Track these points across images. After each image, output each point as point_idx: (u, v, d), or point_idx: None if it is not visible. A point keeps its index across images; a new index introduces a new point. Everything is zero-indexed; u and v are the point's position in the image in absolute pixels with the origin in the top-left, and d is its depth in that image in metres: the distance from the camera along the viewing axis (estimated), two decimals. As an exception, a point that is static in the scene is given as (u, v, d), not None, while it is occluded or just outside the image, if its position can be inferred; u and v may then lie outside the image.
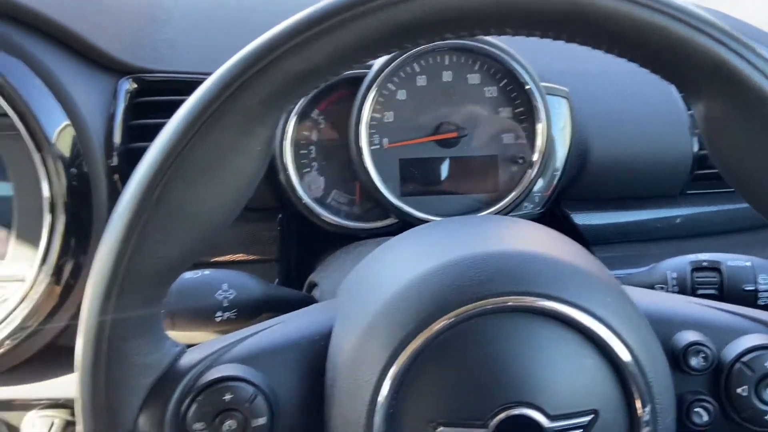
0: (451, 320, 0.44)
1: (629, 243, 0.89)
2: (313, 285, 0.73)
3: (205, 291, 0.61)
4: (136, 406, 0.45)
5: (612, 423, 0.45)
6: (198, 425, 0.46)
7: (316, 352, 0.50)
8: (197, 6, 0.92)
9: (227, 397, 0.46)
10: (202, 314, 0.61)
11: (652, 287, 0.67)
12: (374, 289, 0.49)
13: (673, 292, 0.67)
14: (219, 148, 0.42)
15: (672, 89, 0.86)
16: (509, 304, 0.45)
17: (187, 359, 0.48)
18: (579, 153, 0.81)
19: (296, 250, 0.85)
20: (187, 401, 0.46)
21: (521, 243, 0.49)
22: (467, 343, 0.45)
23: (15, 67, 0.70)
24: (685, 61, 0.41)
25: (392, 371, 0.44)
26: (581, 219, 0.85)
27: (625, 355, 0.45)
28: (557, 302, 0.45)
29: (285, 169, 0.76)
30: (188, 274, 0.62)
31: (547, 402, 0.44)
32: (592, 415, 0.45)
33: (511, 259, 0.46)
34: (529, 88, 0.76)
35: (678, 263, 0.67)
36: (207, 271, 0.63)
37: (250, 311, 0.63)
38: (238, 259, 0.81)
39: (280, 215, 0.81)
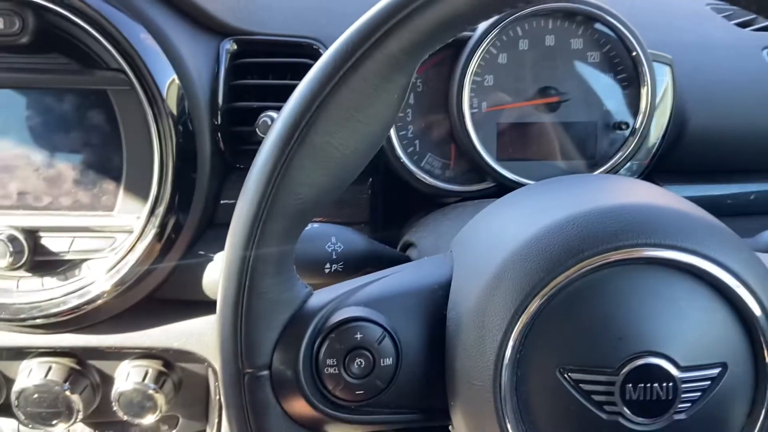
0: (583, 269, 0.45)
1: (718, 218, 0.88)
2: (409, 245, 0.74)
3: (316, 242, 0.63)
4: (273, 341, 0.47)
5: (740, 376, 0.45)
6: (330, 361, 0.47)
7: (435, 301, 0.51)
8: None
9: (358, 336, 0.48)
10: (313, 264, 0.62)
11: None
12: (499, 239, 0.50)
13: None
14: (360, 94, 0.43)
15: (772, 61, 0.84)
16: (643, 255, 0.45)
17: (317, 299, 0.49)
18: (677, 123, 0.81)
19: (385, 213, 0.86)
20: (319, 339, 0.48)
21: (652, 197, 0.49)
22: (598, 293, 0.45)
23: (130, 25, 0.72)
24: None
25: (522, 319, 0.45)
26: (672, 191, 0.84)
27: (756, 310, 0.45)
28: (691, 255, 0.45)
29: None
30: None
31: (678, 353, 0.44)
32: (721, 368, 0.45)
33: (645, 211, 0.47)
34: (636, 54, 0.75)
35: (781, 234, 0.67)
36: (317, 224, 0.65)
37: (355, 265, 0.65)
38: (330, 221, 0.82)
39: (371, 179, 0.82)
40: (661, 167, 0.84)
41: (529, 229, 0.48)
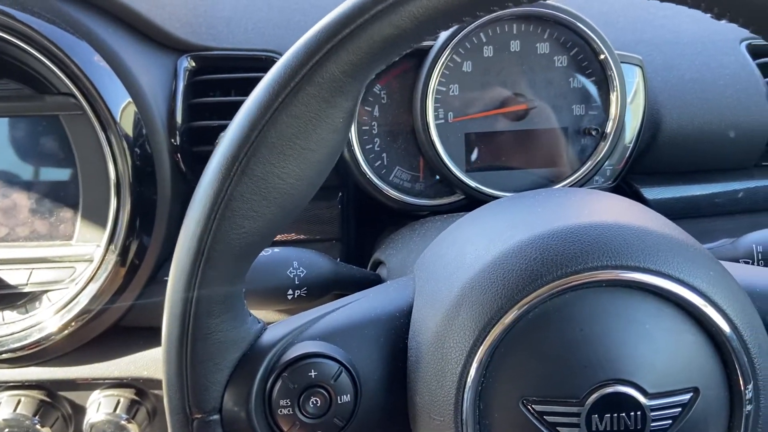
0: (543, 295, 0.43)
1: (699, 218, 0.86)
2: (379, 263, 0.71)
3: (277, 269, 0.61)
4: (222, 383, 0.45)
5: (713, 400, 0.43)
6: (284, 402, 0.45)
7: (396, 330, 0.49)
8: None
9: (312, 373, 0.45)
10: (275, 292, 0.60)
11: (737, 261, 0.64)
12: (458, 264, 0.47)
13: (760, 266, 0.64)
14: (302, 120, 0.41)
15: (748, 57, 0.82)
16: (604, 278, 0.43)
17: (270, 336, 0.47)
18: (651, 124, 0.78)
19: (356, 228, 0.84)
20: (272, 378, 0.46)
21: (614, 215, 0.47)
22: (561, 319, 0.43)
23: (79, 47, 0.69)
24: None
25: (482, 348, 0.43)
26: (651, 193, 0.82)
27: (726, 328, 0.43)
28: (654, 275, 0.43)
29: (349, 145, 0.74)
30: (259, 252, 0.62)
31: (646, 379, 0.42)
32: (693, 393, 0.43)
33: (606, 231, 0.44)
34: (604, 57, 0.73)
35: (763, 236, 0.65)
36: (277, 249, 0.62)
37: (319, 289, 0.63)
38: (300, 238, 0.80)
39: (340, 194, 0.80)
40: (638, 169, 0.82)
41: (488, 254, 0.46)
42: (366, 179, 0.75)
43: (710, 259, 0.46)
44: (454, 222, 0.55)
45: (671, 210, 0.84)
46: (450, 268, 0.48)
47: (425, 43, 0.73)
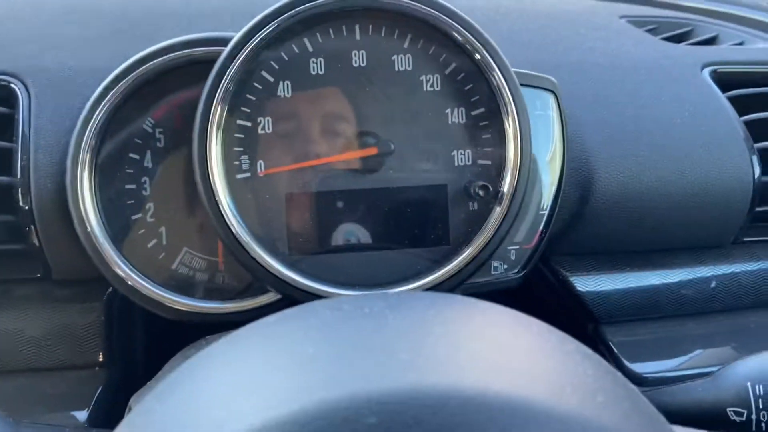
0: None
1: (661, 319, 0.59)
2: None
3: None
4: None
5: None
6: None
7: None
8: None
9: None
10: None
11: (723, 412, 0.37)
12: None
13: (761, 419, 0.37)
14: None
15: (715, 89, 0.57)
16: None
17: None
18: (577, 181, 0.52)
19: (142, 345, 0.55)
20: None
21: (499, 370, 0.23)
22: None
23: None
24: None
25: None
26: (585, 284, 0.56)
27: None
28: None
29: (80, 213, 0.45)
30: None
31: None
32: None
33: (481, 416, 0.19)
34: (495, 75, 0.46)
35: (762, 366, 0.38)
36: None
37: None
38: (42, 366, 0.50)
39: (109, 290, 0.51)
40: (561, 249, 0.55)
41: None
42: (114, 275, 0.46)
43: None
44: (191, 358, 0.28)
45: (619, 308, 0.57)
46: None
47: (211, 49, 0.46)
